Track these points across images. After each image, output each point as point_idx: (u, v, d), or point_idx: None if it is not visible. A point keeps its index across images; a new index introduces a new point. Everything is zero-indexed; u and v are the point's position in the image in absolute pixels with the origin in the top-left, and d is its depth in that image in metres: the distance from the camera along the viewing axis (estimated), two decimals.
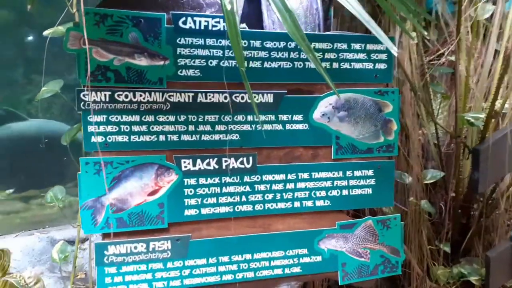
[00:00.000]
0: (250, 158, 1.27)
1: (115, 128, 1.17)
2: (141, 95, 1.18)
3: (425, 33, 1.59)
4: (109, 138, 1.17)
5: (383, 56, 1.37)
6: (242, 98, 1.25)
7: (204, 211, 1.25)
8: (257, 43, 1.25)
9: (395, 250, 1.41)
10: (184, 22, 1.18)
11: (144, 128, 1.19)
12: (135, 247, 1.20)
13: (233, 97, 1.24)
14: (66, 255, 1.40)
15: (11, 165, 2.69)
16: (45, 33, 1.40)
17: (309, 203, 1.33)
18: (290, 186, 1.31)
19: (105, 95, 1.15)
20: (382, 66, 1.37)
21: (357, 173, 1.36)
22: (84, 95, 1.14)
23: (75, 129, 1.37)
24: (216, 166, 1.25)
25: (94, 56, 1.13)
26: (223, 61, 1.22)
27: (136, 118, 1.18)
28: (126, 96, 1.17)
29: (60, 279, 1.54)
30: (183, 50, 1.19)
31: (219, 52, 1.22)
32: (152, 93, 1.19)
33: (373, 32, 0.90)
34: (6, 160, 2.68)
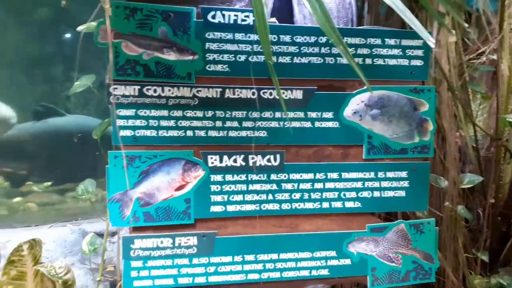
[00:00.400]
0: (278, 155, 1.24)
1: (144, 123, 1.18)
2: (169, 90, 1.18)
3: (466, 25, 1.50)
4: (138, 132, 1.18)
5: (419, 52, 1.31)
6: (270, 94, 1.23)
7: (230, 208, 1.24)
8: (287, 38, 1.22)
9: (428, 256, 1.35)
10: (213, 16, 1.17)
11: (172, 123, 1.19)
12: (161, 242, 1.20)
13: (261, 93, 1.22)
14: (95, 247, 1.43)
15: (49, 158, 2.79)
16: (79, 28, 1.43)
17: (338, 204, 1.29)
18: (318, 186, 1.27)
19: (134, 89, 1.16)
20: (418, 62, 1.31)
21: (390, 174, 1.31)
22: (113, 89, 1.15)
23: (106, 124, 1.39)
24: (243, 163, 1.23)
25: (124, 50, 1.13)
26: (251, 56, 1.20)
27: (165, 113, 1.18)
28: (155, 91, 1.17)
29: (90, 270, 1.58)
30: (212, 45, 1.18)
31: (248, 47, 1.20)
32: (181, 88, 1.18)
33: (408, 22, 0.85)
34: (45, 153, 2.78)
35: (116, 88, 1.15)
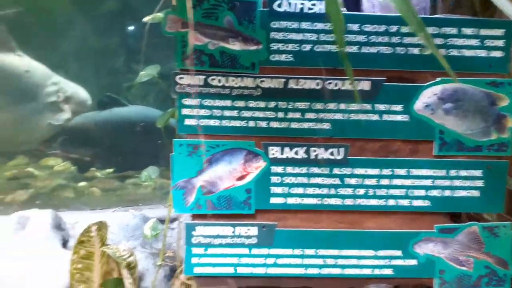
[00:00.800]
0: (341, 149, 1.20)
1: (208, 112, 1.18)
2: (233, 80, 1.18)
3: None
4: (202, 122, 1.19)
5: (500, 43, 1.20)
6: (336, 85, 1.19)
7: (291, 200, 1.22)
8: (355, 27, 1.17)
9: (503, 261, 1.25)
10: (279, 5, 1.15)
11: (235, 113, 1.19)
12: (222, 230, 1.21)
13: (326, 83, 1.18)
14: (157, 232, 1.47)
15: (112, 146, 2.94)
16: (145, 19, 1.47)
17: (405, 202, 1.23)
18: (384, 182, 1.22)
19: (199, 79, 1.17)
20: (497, 54, 1.20)
21: (463, 172, 1.22)
22: (179, 78, 1.16)
23: (169, 113, 1.42)
24: (305, 156, 1.21)
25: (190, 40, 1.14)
26: (317, 46, 1.17)
27: (228, 103, 1.19)
28: (219, 81, 1.17)
29: (150, 255, 1.63)
30: (277, 34, 1.16)
31: (314, 36, 1.17)
32: (244, 78, 1.18)
33: (499, 6, 0.77)
34: (108, 142, 2.94)
35: (182, 78, 1.16)
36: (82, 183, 2.96)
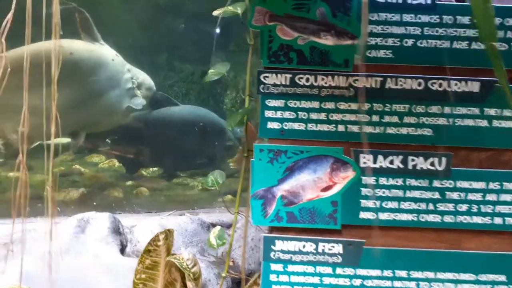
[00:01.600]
0: (444, 159, 1.06)
1: (293, 115, 1.07)
2: (323, 79, 1.06)
3: None
4: (285, 125, 1.07)
5: None
6: (440, 85, 1.04)
7: (383, 216, 1.08)
8: (465, 20, 1.02)
9: None
10: None
11: (322, 116, 1.07)
12: (304, 246, 1.10)
13: (429, 83, 1.04)
14: (223, 241, 1.38)
15: (161, 146, 2.89)
16: (215, 13, 1.37)
17: None
18: (491, 197, 1.07)
19: (285, 77, 1.06)
20: None
21: None
22: (264, 77, 1.05)
23: (240, 114, 1.32)
24: (401, 165, 1.07)
25: (278, 34, 1.03)
26: (420, 41, 1.03)
27: (315, 104, 1.07)
28: (307, 80, 1.06)
29: (211, 263, 1.54)
30: (375, 28, 1.03)
31: (417, 30, 1.03)
32: (335, 77, 1.06)
33: None
34: (158, 141, 2.89)
35: (268, 77, 1.05)
36: (129, 182, 2.92)
